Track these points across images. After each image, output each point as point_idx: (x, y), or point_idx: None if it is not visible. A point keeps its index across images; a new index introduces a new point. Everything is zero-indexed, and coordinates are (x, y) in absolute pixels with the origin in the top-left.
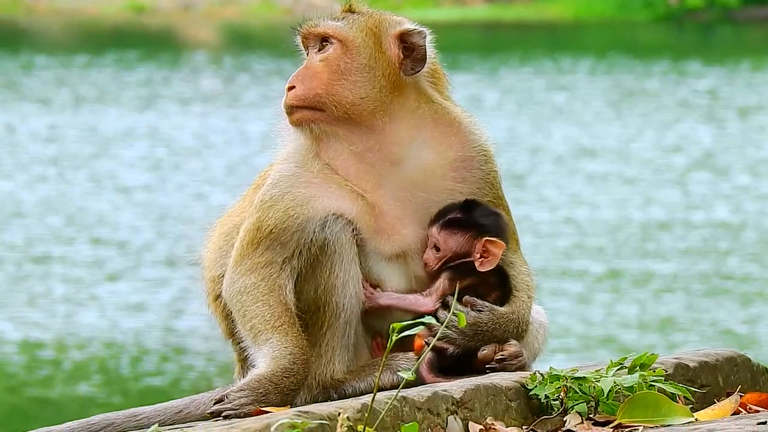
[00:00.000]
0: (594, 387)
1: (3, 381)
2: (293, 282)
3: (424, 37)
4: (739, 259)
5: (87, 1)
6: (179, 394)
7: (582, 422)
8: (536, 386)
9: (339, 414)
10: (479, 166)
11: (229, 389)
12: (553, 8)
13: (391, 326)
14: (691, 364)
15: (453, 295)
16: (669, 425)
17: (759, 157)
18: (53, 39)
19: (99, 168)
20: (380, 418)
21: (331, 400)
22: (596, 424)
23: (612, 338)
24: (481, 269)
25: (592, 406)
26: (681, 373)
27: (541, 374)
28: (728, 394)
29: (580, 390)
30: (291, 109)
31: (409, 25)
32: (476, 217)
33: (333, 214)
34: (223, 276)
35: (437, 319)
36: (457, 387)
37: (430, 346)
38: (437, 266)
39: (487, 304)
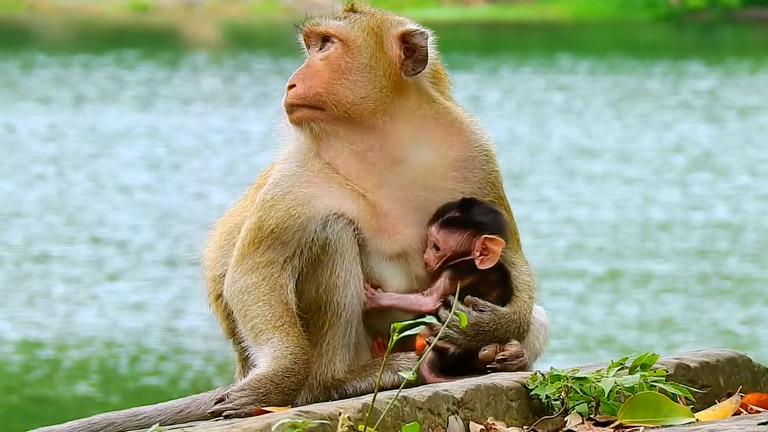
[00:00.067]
0: (595, 387)
1: (2, 380)
2: (294, 281)
3: (426, 38)
4: (738, 260)
5: None
6: (178, 393)
7: (583, 422)
8: (537, 386)
9: (340, 414)
10: (480, 166)
11: (230, 389)
12: (554, 8)
13: (392, 326)
14: (692, 365)
15: (454, 294)
16: (670, 426)
17: (759, 157)
18: (54, 38)
19: (99, 167)
20: (381, 417)
21: (332, 400)
22: (597, 424)
23: (611, 338)
24: (482, 267)
25: (593, 406)
26: (682, 373)
27: (542, 374)
28: (729, 395)
29: (581, 390)
30: (291, 108)
31: (411, 26)
32: (474, 215)
33: (334, 214)
34: (224, 275)
35: (438, 319)
36: (458, 387)
37: (431, 345)
38: (438, 265)
39: (488, 304)
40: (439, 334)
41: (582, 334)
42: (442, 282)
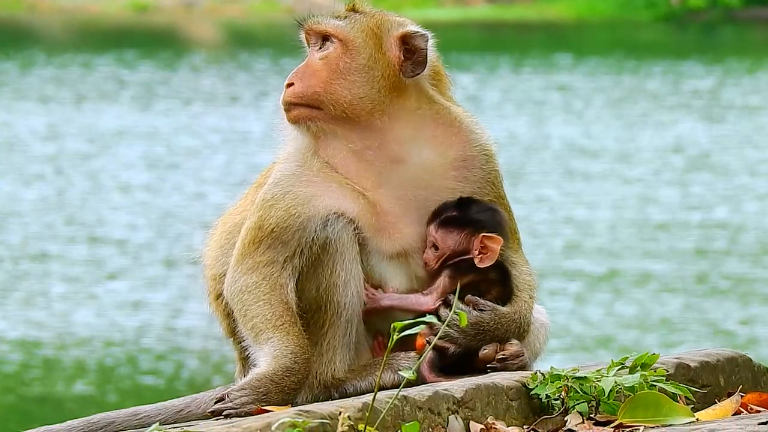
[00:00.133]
0: (595, 387)
1: (1, 380)
2: (295, 281)
3: (426, 41)
4: (738, 260)
5: None
6: (177, 393)
7: (583, 422)
8: (537, 386)
9: (340, 413)
10: (480, 166)
11: (230, 388)
12: (555, 8)
13: (392, 325)
14: (692, 364)
15: (454, 293)
16: (670, 425)
17: (758, 157)
18: (54, 38)
19: (98, 167)
20: (381, 417)
21: (332, 399)
22: (597, 423)
23: (611, 338)
24: (481, 265)
25: (593, 405)
26: (682, 373)
27: (542, 374)
28: (729, 394)
29: (581, 390)
30: (289, 106)
31: (411, 28)
32: (472, 213)
33: (334, 213)
34: (224, 275)
35: (438, 318)
36: (458, 386)
37: (431, 345)
38: (437, 265)
39: (489, 303)
40: (439, 334)
41: (581, 334)
42: (442, 281)
